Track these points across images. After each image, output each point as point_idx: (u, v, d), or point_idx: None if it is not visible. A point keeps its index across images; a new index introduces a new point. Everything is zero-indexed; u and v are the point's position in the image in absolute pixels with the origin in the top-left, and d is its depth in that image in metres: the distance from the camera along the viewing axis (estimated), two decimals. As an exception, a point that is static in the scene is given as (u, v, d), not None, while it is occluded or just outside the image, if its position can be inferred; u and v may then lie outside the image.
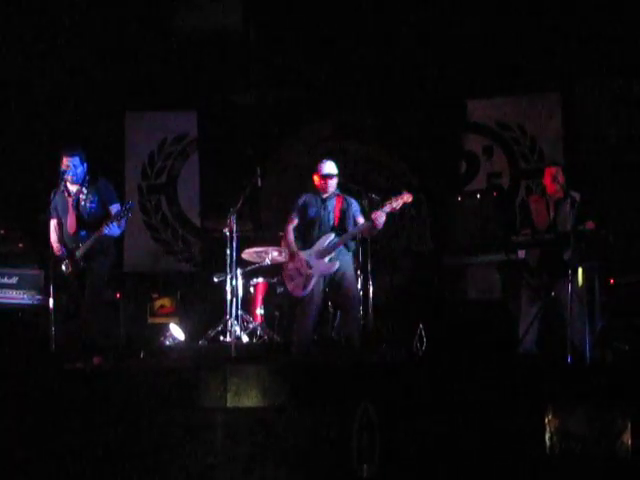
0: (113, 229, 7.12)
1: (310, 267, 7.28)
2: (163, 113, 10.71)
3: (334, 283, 7.33)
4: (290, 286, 7.44)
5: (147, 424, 5.30)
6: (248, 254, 8.80)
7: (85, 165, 7.30)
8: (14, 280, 8.43)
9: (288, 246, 7.53)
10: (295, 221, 7.55)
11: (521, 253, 7.25)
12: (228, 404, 5.40)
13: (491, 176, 10.09)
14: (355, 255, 7.64)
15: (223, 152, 10.42)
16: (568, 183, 7.33)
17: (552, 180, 7.31)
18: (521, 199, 9.61)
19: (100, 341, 7.17)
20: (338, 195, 7.50)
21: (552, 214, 7.32)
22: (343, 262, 7.30)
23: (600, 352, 6.89)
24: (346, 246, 7.33)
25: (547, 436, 4.99)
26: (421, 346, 7.57)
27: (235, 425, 5.25)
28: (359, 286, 7.87)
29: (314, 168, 7.55)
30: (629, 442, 4.91)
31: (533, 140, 9.99)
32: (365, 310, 7.80)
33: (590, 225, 7.00)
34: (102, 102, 10.20)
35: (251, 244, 8.86)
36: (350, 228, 7.37)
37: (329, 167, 7.49)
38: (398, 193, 7.13)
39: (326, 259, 7.26)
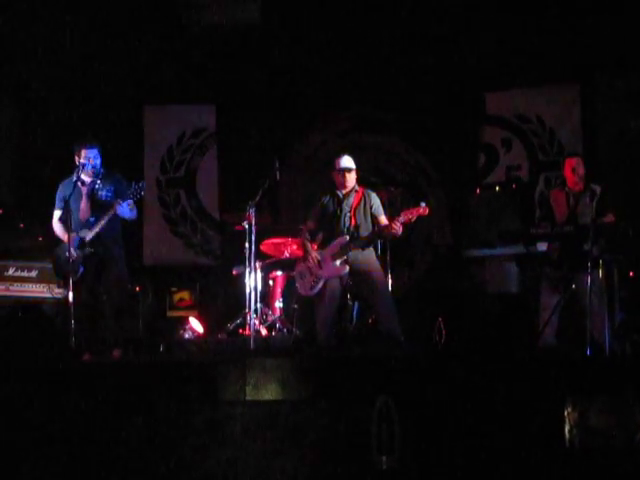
0: (124, 209, 7.08)
1: (320, 268, 7.26)
2: (182, 107, 10.75)
3: (359, 281, 7.30)
4: (299, 284, 7.47)
5: (166, 417, 5.32)
6: (267, 246, 8.80)
7: (100, 157, 7.31)
8: (34, 274, 8.51)
9: (302, 246, 7.56)
10: (312, 223, 7.53)
11: (542, 245, 7.21)
12: (247, 397, 5.40)
13: (510, 169, 10.05)
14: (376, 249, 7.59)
15: (242, 145, 10.42)
16: (588, 175, 7.32)
17: (572, 172, 7.30)
18: (540, 193, 9.60)
19: (119, 334, 7.20)
20: (357, 191, 7.42)
21: (572, 206, 7.28)
22: (361, 259, 7.22)
23: (619, 345, 6.87)
24: (362, 249, 7.25)
25: (567, 429, 4.98)
26: (440, 339, 7.54)
27: (254, 418, 5.26)
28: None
29: (331, 164, 7.51)
30: (649, 435, 4.90)
31: (552, 132, 9.94)
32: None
33: (610, 218, 6.97)
34: (121, 96, 10.22)
35: (270, 237, 8.86)
36: (368, 226, 7.28)
37: (346, 161, 7.40)
38: (415, 205, 6.97)
39: (337, 261, 7.20)
